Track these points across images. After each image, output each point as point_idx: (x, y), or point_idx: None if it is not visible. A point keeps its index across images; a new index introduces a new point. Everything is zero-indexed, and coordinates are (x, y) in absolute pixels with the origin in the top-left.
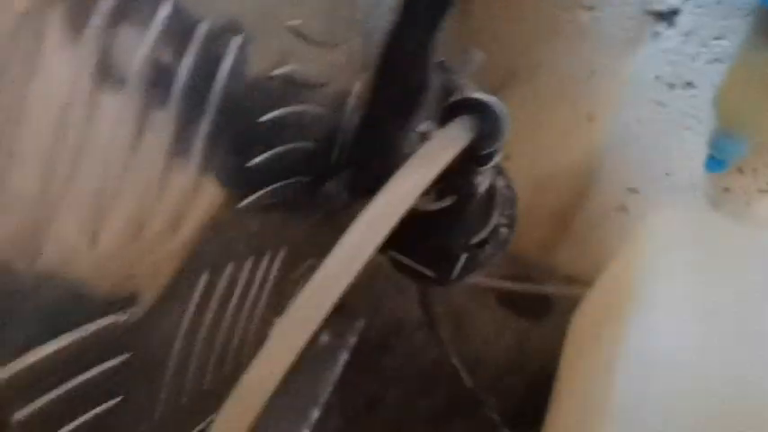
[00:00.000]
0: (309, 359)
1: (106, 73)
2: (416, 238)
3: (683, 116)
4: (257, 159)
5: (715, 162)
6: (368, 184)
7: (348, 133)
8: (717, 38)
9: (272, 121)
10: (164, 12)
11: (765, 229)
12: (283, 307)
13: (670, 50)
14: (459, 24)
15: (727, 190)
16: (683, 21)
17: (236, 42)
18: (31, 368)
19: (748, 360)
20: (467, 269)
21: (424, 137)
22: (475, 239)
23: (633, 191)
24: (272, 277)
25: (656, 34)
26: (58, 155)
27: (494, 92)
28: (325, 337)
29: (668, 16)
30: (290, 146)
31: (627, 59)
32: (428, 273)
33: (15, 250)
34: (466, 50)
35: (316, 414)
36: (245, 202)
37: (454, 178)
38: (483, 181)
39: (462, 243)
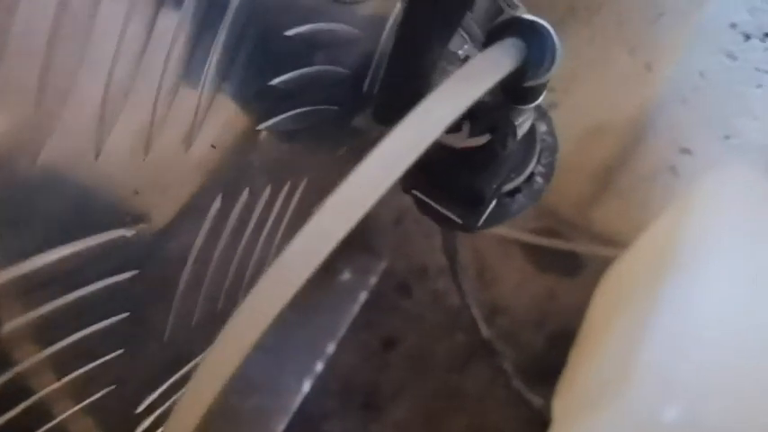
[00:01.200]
0: (329, 294)
1: None
2: (444, 177)
3: (755, 72)
4: (282, 77)
5: None
6: (397, 113)
7: (384, 61)
8: None
9: (301, 36)
10: None
11: None
12: None
13: None
14: None
15: None
16: None
17: None
18: (29, 276)
19: None
20: (495, 217)
21: (465, 61)
22: (508, 186)
23: (686, 151)
24: (290, 209)
25: None
26: (60, 45)
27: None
28: (346, 275)
29: None
30: (320, 68)
31: (701, 2)
32: (453, 217)
33: (15, 144)
34: None
35: (331, 349)
36: (267, 123)
37: (491, 113)
38: (524, 122)
39: (493, 188)
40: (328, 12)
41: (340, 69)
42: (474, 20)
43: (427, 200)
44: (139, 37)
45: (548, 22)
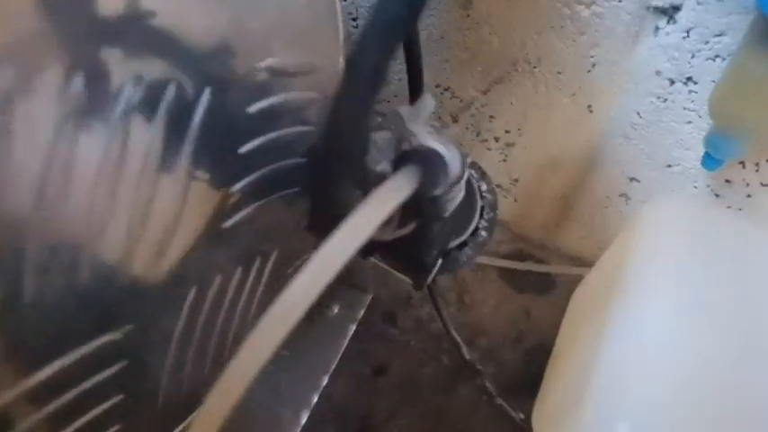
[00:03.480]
0: (320, 330)
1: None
2: (389, 252)
3: (684, 111)
4: (249, 145)
5: (712, 160)
6: (325, 227)
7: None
8: (718, 35)
9: (262, 110)
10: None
11: (765, 223)
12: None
13: (671, 46)
14: (459, 18)
15: (728, 182)
16: (683, 17)
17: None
18: (37, 385)
19: (727, 352)
20: (446, 268)
21: (381, 176)
22: (455, 242)
23: (634, 179)
24: (264, 279)
25: (657, 29)
26: (50, 171)
27: (496, 82)
28: (335, 310)
29: (669, 12)
30: (283, 131)
31: (627, 54)
32: (405, 279)
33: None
34: (420, 97)
35: (324, 381)
36: (237, 186)
37: (413, 208)
38: (450, 201)
39: (434, 255)
40: (283, 84)
41: (303, 127)
42: (388, 142)
43: (382, 265)
44: (117, 153)
45: (494, 74)
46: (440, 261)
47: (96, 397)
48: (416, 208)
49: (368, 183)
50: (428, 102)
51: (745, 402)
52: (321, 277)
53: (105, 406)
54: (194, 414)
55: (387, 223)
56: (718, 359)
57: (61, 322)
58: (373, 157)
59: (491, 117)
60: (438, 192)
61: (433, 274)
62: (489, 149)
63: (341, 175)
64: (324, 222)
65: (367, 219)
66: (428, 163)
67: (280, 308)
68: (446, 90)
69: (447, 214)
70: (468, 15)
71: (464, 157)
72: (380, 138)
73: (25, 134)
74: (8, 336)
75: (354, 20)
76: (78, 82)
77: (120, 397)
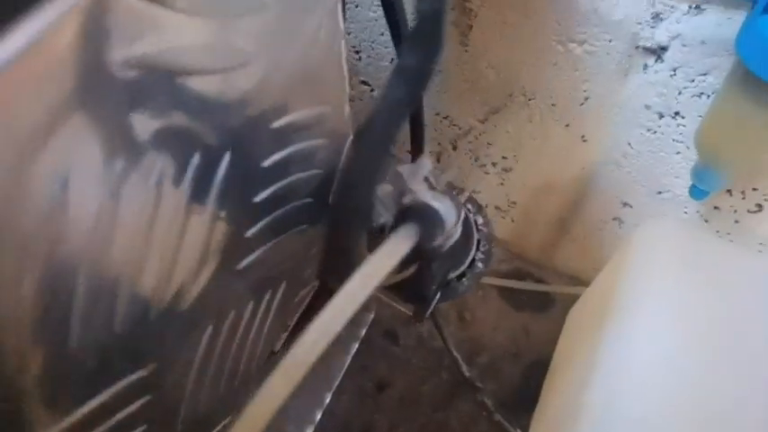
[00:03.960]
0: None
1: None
2: (392, 288)
3: (673, 142)
4: (263, 194)
5: (698, 191)
6: (337, 269)
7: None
8: (702, 74)
9: (276, 162)
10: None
11: (752, 248)
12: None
13: (658, 83)
14: (458, 53)
15: (717, 208)
16: (670, 57)
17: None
18: (75, 423)
19: (716, 370)
20: (445, 298)
21: (383, 229)
22: (453, 274)
23: (627, 205)
24: (273, 308)
25: (646, 67)
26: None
27: (493, 112)
28: None
29: (657, 52)
30: (293, 177)
31: (618, 89)
32: (406, 311)
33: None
34: (419, 158)
35: (328, 398)
36: (253, 230)
37: (413, 254)
38: (448, 240)
39: (434, 289)
40: (295, 136)
41: (311, 171)
42: (390, 197)
43: (384, 298)
44: (149, 210)
45: (491, 105)
46: (439, 293)
47: (121, 430)
48: (416, 254)
49: (372, 232)
50: (425, 163)
51: (733, 419)
52: (336, 321)
53: None
54: None
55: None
56: (707, 377)
57: (98, 364)
58: (377, 211)
59: (488, 144)
60: (435, 243)
61: (432, 306)
62: (487, 173)
63: (353, 230)
64: (336, 269)
65: (374, 271)
66: (426, 219)
67: (300, 349)
68: (445, 118)
69: (444, 251)
70: (467, 50)
71: (459, 206)
72: (383, 193)
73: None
74: (53, 381)
75: (357, 52)
76: (118, 158)
77: (143, 428)
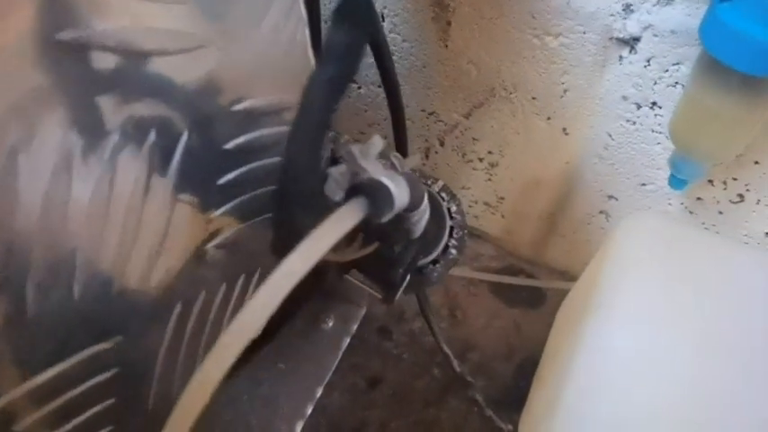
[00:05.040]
0: (315, 343)
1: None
2: (359, 267)
3: (652, 133)
4: (227, 177)
5: (677, 180)
6: (286, 246)
7: None
8: (675, 64)
9: (238, 146)
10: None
11: (736, 240)
12: None
13: (634, 74)
14: (438, 49)
15: (699, 199)
16: (643, 47)
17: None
18: (36, 387)
19: (697, 363)
20: (416, 285)
21: (337, 205)
22: (425, 260)
23: (612, 197)
24: (249, 294)
25: (621, 58)
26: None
27: (477, 107)
28: (329, 324)
29: (630, 43)
30: (257, 163)
31: (595, 81)
32: (374, 293)
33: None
34: (368, 136)
35: (319, 393)
36: (217, 212)
37: (374, 232)
38: (415, 225)
39: (400, 273)
40: (258, 121)
41: (276, 159)
42: (344, 176)
43: (353, 280)
44: (106, 184)
45: (474, 100)
46: (408, 278)
47: (90, 400)
48: (377, 231)
49: (327, 210)
50: (377, 141)
51: (714, 413)
52: (276, 294)
53: (98, 408)
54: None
55: (348, 245)
56: (688, 370)
57: (60, 333)
58: (332, 189)
59: (474, 139)
60: (385, 219)
61: (400, 291)
62: (475, 169)
63: (296, 201)
64: (285, 245)
65: (317, 244)
66: (374, 194)
67: (241, 321)
68: (431, 114)
69: (413, 237)
70: (447, 47)
71: (418, 188)
72: (338, 171)
73: (28, 176)
74: (15, 344)
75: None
76: (75, 134)
77: (112, 401)
